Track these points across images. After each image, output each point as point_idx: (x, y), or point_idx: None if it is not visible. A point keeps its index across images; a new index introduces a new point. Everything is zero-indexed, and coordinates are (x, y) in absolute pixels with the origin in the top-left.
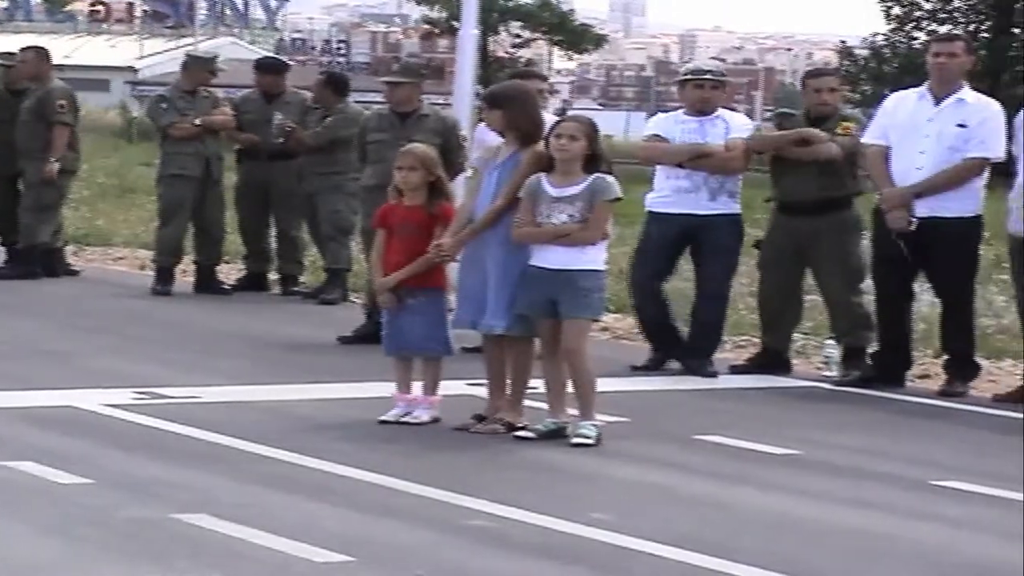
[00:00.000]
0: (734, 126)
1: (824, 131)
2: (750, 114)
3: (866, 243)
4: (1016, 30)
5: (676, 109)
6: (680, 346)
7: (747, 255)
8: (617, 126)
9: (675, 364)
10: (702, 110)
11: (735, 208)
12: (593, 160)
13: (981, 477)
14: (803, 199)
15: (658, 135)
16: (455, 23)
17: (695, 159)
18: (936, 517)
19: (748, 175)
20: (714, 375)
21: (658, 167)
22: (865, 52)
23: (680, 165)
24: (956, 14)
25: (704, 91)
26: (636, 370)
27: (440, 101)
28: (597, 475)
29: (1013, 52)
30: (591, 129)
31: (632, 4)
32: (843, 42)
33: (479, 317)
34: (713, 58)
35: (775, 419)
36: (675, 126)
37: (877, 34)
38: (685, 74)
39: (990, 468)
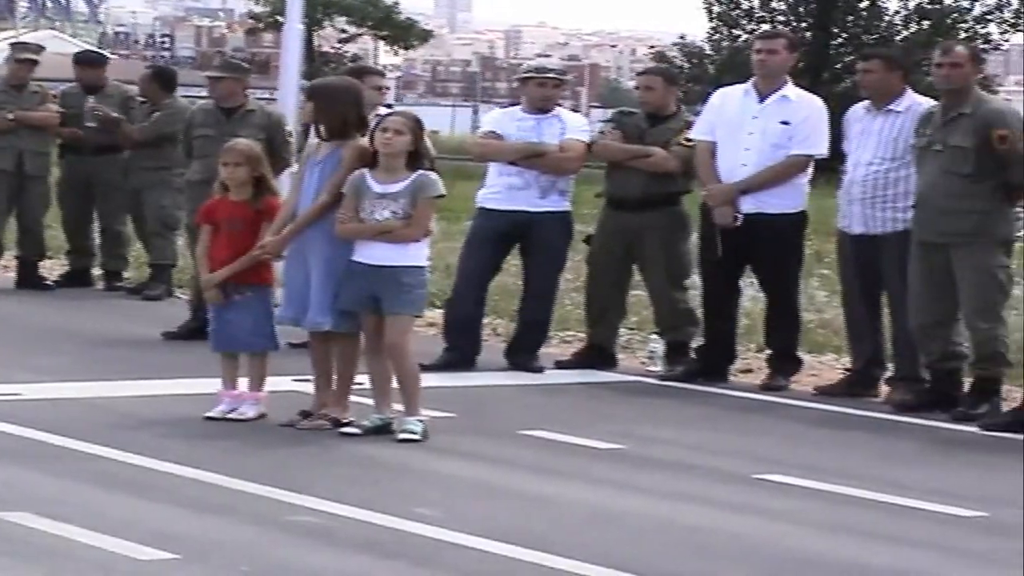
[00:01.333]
0: (570, 126)
1: (663, 131)
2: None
3: (694, 239)
4: (835, 28)
5: (511, 105)
6: (474, 354)
7: (575, 250)
8: (444, 121)
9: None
10: (542, 108)
11: (565, 206)
12: (417, 157)
13: (802, 470)
14: (632, 195)
15: (494, 132)
16: (280, 18)
17: (529, 157)
18: (757, 510)
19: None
20: (540, 370)
21: (491, 163)
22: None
23: (513, 163)
24: (776, 13)
25: (546, 89)
26: (426, 368)
27: (265, 96)
28: (423, 470)
29: (832, 50)
30: (416, 124)
31: (458, 0)
32: (682, 36)
33: (302, 314)
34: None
35: (600, 413)
36: (511, 123)
37: (684, 36)
38: (527, 72)
39: (811, 461)
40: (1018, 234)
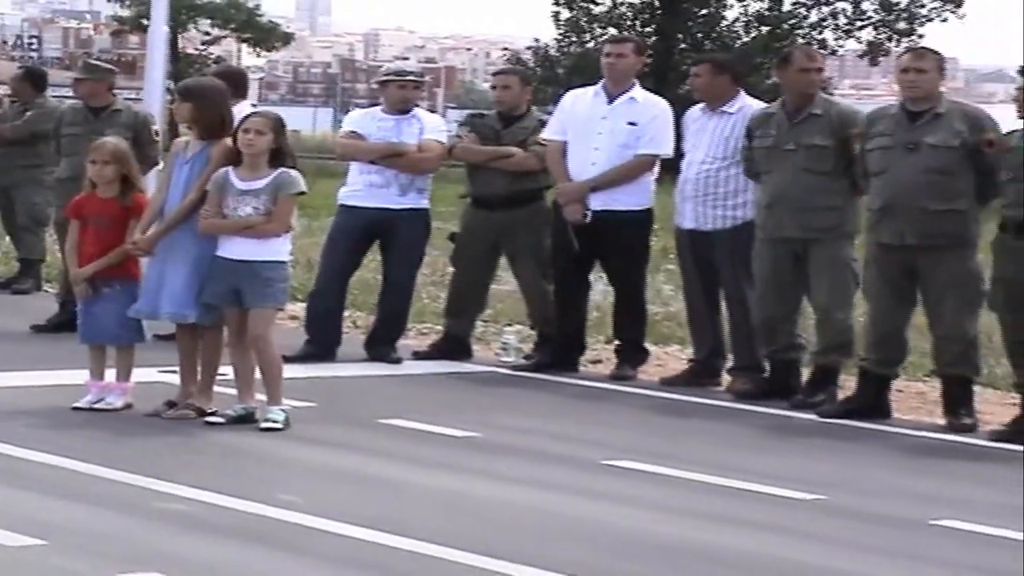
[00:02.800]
0: (428, 127)
1: (517, 131)
2: (432, 109)
3: None
4: (679, 34)
5: (371, 106)
6: (335, 346)
7: (434, 247)
8: (305, 121)
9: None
10: (401, 109)
11: (423, 203)
12: (279, 155)
13: (648, 456)
14: (497, 194)
15: (355, 131)
16: (145, 20)
17: (389, 157)
18: (607, 495)
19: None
20: (398, 361)
21: (352, 162)
22: (530, 55)
23: (374, 162)
24: (624, 19)
25: (406, 91)
26: (288, 360)
27: (132, 96)
28: (285, 458)
29: (676, 55)
30: (278, 124)
31: (318, 3)
32: (536, 40)
33: (156, 307)
34: (397, 57)
35: (456, 403)
36: (372, 123)
37: (537, 40)
38: (387, 74)
39: (657, 448)
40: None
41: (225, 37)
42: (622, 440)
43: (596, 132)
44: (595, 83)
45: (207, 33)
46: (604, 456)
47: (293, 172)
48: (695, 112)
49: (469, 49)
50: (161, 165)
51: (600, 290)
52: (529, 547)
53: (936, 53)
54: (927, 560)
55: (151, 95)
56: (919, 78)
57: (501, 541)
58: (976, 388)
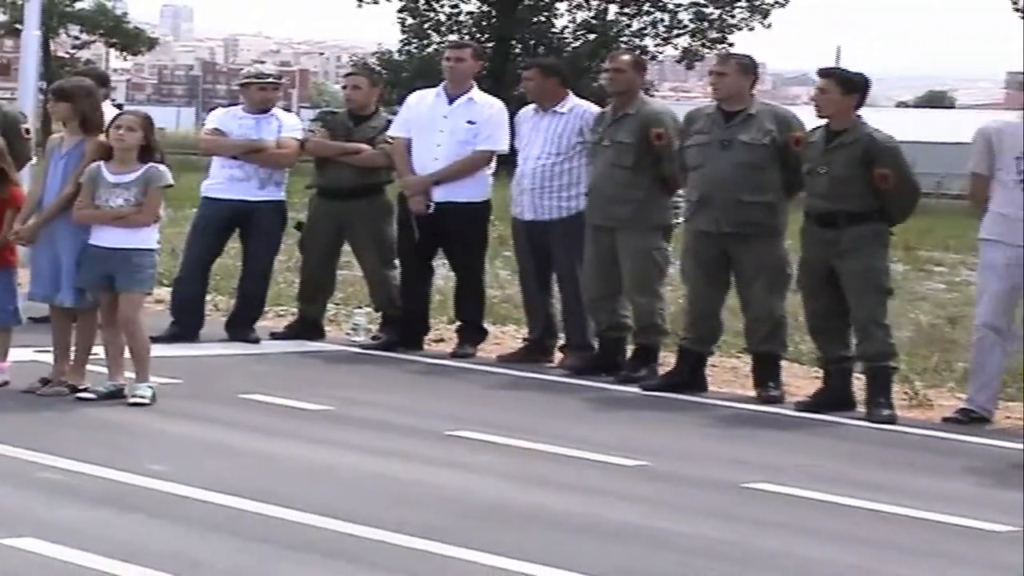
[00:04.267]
0: (286, 125)
1: (366, 129)
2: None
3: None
4: (514, 40)
5: (231, 106)
6: (198, 327)
7: (289, 236)
8: (170, 120)
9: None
10: (260, 109)
11: (280, 196)
12: (148, 150)
13: (489, 427)
14: (342, 185)
15: (218, 129)
16: (19, 26)
17: (249, 153)
18: (452, 463)
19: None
20: (257, 341)
21: (215, 157)
22: (376, 60)
23: (235, 157)
24: (463, 26)
25: (265, 92)
26: (155, 340)
27: (7, 96)
28: (153, 431)
29: (512, 59)
30: (147, 122)
31: (181, 10)
32: (379, 45)
33: (53, 292)
34: (255, 61)
35: (311, 379)
36: (233, 122)
37: (381, 44)
38: (247, 77)
39: (496, 419)
40: (675, 221)
41: (94, 42)
42: (463, 412)
43: (438, 130)
44: (437, 85)
45: (77, 38)
46: (447, 427)
47: (161, 166)
48: (528, 112)
49: (322, 53)
50: (35, 160)
51: (442, 275)
52: (383, 512)
53: (742, 57)
54: (740, 519)
55: (25, 95)
56: (720, 80)
57: (357, 506)
58: (783, 363)
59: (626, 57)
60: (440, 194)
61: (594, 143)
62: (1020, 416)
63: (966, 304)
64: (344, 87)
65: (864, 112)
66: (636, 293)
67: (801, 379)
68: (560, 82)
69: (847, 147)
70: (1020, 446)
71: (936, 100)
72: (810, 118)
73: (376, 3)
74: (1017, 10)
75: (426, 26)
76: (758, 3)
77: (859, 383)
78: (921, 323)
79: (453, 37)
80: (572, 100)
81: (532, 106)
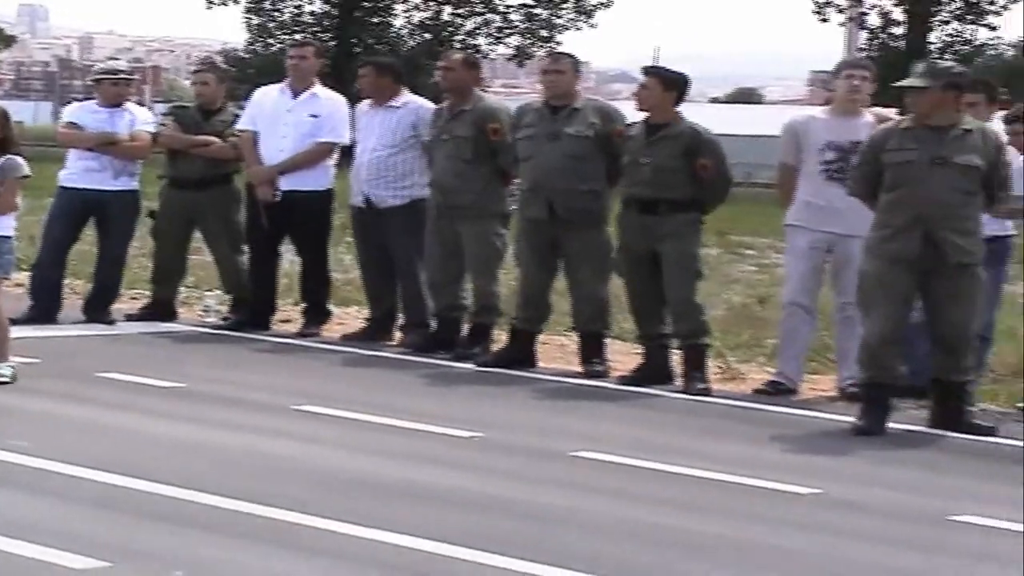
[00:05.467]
0: (139, 119)
1: (215, 123)
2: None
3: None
4: (354, 39)
5: (87, 100)
6: (56, 310)
7: (142, 223)
8: (28, 114)
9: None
10: (114, 103)
11: (134, 186)
12: (5, 143)
13: (333, 402)
14: (192, 176)
15: (74, 123)
16: None
17: (104, 145)
18: (299, 436)
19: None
20: (112, 322)
21: (71, 150)
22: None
23: (91, 149)
24: (306, 26)
25: (119, 88)
26: (14, 322)
27: None
28: (15, 408)
29: (352, 57)
30: (3, 116)
31: (37, 9)
32: (225, 43)
33: None
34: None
35: (164, 358)
36: (88, 115)
37: (227, 43)
38: (100, 73)
39: (340, 394)
40: (512, 208)
41: None
42: (310, 388)
43: (283, 124)
44: (281, 82)
45: None
46: (295, 402)
47: (18, 158)
48: (364, 107)
49: (172, 51)
50: None
51: (289, 259)
52: (235, 482)
53: (571, 56)
54: (569, 486)
55: None
56: (557, 78)
57: (211, 478)
58: (607, 341)
59: (456, 56)
60: (286, 184)
61: (434, 138)
62: (824, 387)
63: (774, 284)
64: (194, 83)
65: (682, 107)
66: (476, 276)
67: (623, 355)
68: (393, 79)
69: (671, 140)
70: (825, 415)
71: (746, 96)
72: (631, 112)
73: (224, 5)
74: (817, 14)
75: (271, 26)
76: (583, 4)
77: (677, 358)
78: (734, 302)
79: (297, 36)
80: (406, 96)
81: (368, 101)
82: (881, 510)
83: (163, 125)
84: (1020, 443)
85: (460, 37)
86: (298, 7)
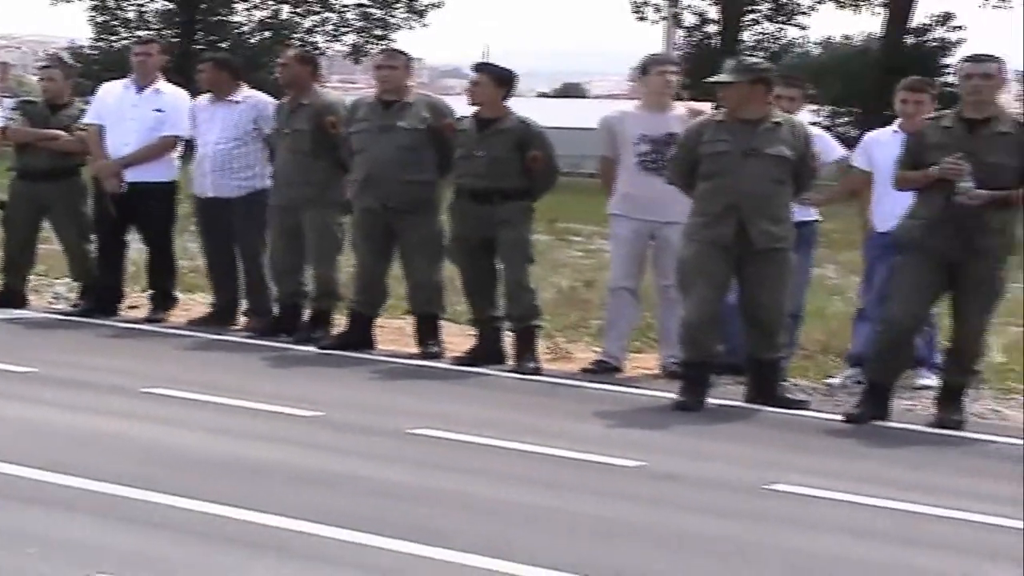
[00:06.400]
0: None
1: (62, 117)
2: None
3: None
4: (197, 36)
5: None
6: None
7: None
8: None
9: None
10: None
11: None
12: None
13: (181, 384)
14: (40, 168)
15: None
16: None
17: None
18: (149, 417)
19: None
20: None
21: None
22: (69, 54)
23: None
24: (150, 23)
25: None
26: None
27: None
28: None
29: (195, 54)
30: None
31: None
32: (72, 41)
33: None
34: None
35: (16, 344)
36: None
37: (74, 40)
38: None
39: (187, 377)
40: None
41: None
42: (158, 371)
43: (128, 118)
44: (126, 77)
45: None
46: (144, 385)
47: None
48: (203, 102)
49: (19, 48)
50: None
51: (136, 248)
52: (87, 462)
53: (404, 53)
54: (407, 462)
55: None
56: (390, 74)
57: (64, 458)
58: (442, 323)
59: (292, 53)
60: (131, 176)
61: (276, 131)
62: (647, 365)
63: (600, 269)
64: (41, 79)
65: (511, 102)
66: (316, 264)
67: (458, 337)
68: (232, 75)
69: (502, 133)
70: (648, 392)
71: (571, 91)
72: (463, 107)
73: (69, 1)
74: (636, 13)
75: (115, 23)
76: (416, 4)
77: (509, 339)
78: (562, 286)
79: (140, 33)
80: (246, 91)
81: (208, 96)
82: (701, 480)
83: (11, 120)
84: (828, 415)
85: (299, 35)
86: (141, 5)
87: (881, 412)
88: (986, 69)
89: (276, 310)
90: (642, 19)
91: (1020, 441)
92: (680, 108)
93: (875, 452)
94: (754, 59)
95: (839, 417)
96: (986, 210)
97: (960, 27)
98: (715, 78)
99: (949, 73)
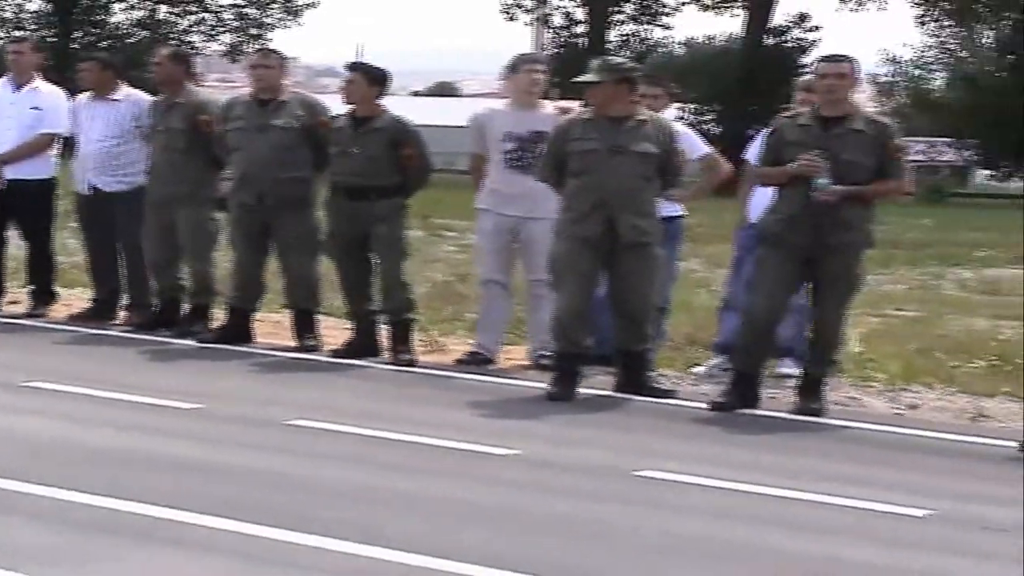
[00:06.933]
0: None
1: None
2: None
3: None
4: (75, 35)
5: None
6: None
7: None
8: None
9: None
10: None
11: None
12: None
13: (61, 377)
14: None
15: None
16: None
17: None
18: (28, 410)
19: None
20: None
21: None
22: None
23: None
24: (27, 21)
25: None
26: None
27: None
28: None
29: (73, 52)
30: None
31: None
32: None
33: None
34: None
35: None
36: None
37: None
38: None
39: (67, 370)
40: (223, 193)
41: None
42: (39, 365)
43: (6, 116)
44: (3, 76)
45: None
46: (24, 378)
47: None
48: (83, 99)
49: None
50: None
51: (16, 244)
52: None
53: (278, 53)
54: (286, 452)
55: None
56: (265, 73)
57: None
58: (319, 317)
59: (165, 52)
60: (10, 173)
61: (151, 129)
62: (519, 357)
63: (473, 263)
64: None
65: (385, 100)
66: (192, 260)
67: (335, 330)
68: (114, 74)
69: (377, 131)
70: (520, 382)
71: (444, 90)
72: (338, 106)
73: None
74: (505, 13)
75: None
76: (291, 4)
77: (384, 332)
78: (436, 280)
79: (17, 33)
80: (126, 90)
81: (87, 94)
82: (573, 467)
83: None
84: (694, 403)
85: (176, 35)
86: (19, 5)
87: (748, 401)
88: (840, 68)
89: (156, 305)
90: (512, 19)
91: (879, 427)
92: (550, 107)
93: (739, 438)
94: (619, 59)
95: (705, 405)
96: (842, 206)
97: (817, 28)
98: (582, 78)
99: (807, 72)
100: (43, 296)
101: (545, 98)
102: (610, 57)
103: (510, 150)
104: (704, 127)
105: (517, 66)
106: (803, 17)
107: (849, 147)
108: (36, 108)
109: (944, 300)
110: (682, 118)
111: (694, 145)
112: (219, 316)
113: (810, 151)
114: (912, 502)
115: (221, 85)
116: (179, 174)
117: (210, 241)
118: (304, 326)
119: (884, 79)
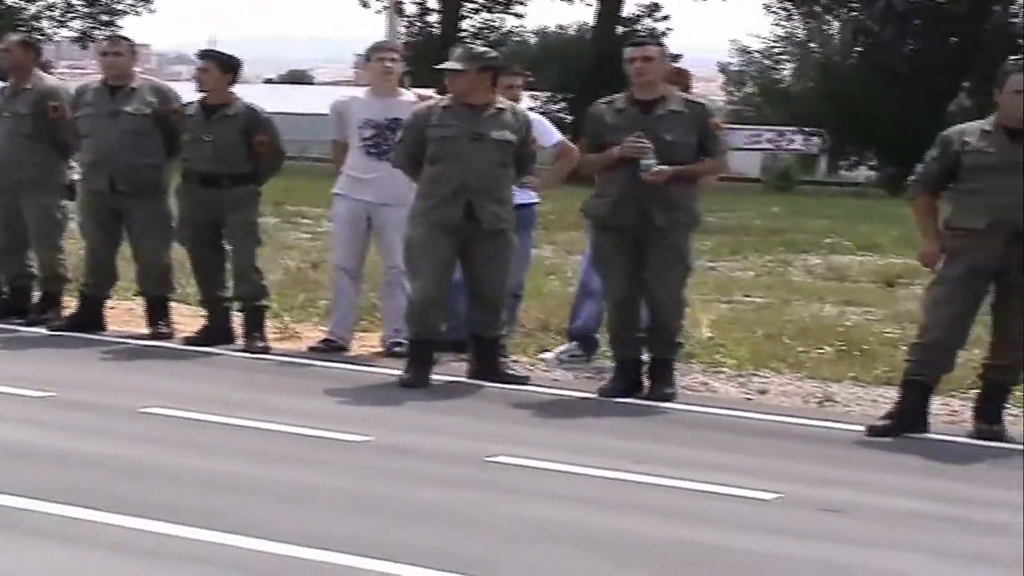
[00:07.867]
0: None
1: None
2: None
3: None
4: None
5: None
6: None
7: None
8: None
9: None
10: None
11: None
12: None
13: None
14: None
15: None
16: None
17: None
18: None
19: None
20: None
21: None
22: None
23: None
24: None
25: None
26: None
27: None
28: None
29: None
30: None
31: None
32: None
33: None
34: None
35: None
36: None
37: None
38: None
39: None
40: (74, 179)
41: None
42: None
43: None
44: None
45: None
46: None
47: None
48: None
49: None
50: None
51: None
52: None
53: (128, 40)
54: (139, 440)
55: None
56: (116, 60)
57: None
58: (172, 304)
59: (13, 38)
60: None
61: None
62: (372, 344)
63: (326, 251)
64: None
65: (237, 88)
66: (40, 247)
67: (188, 317)
68: None
69: (229, 119)
70: (373, 369)
71: (297, 77)
72: (190, 93)
73: None
74: (359, 1)
75: None
76: None
77: (238, 319)
78: (290, 267)
79: None
80: None
81: None
82: (426, 453)
83: None
84: (547, 389)
85: (24, 21)
86: None
87: (635, 388)
88: (646, 52)
89: (6, 293)
90: (365, 6)
91: (729, 411)
92: (409, 95)
93: (591, 424)
94: (482, 48)
95: (558, 392)
96: (669, 186)
97: (667, 17)
98: (445, 65)
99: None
100: None
101: (400, 86)
102: (473, 46)
103: (368, 137)
104: (556, 115)
105: (371, 54)
106: (654, 7)
107: (670, 128)
108: None
109: (792, 286)
110: (534, 107)
111: (548, 133)
112: (71, 303)
113: (632, 134)
114: (761, 485)
115: (71, 72)
116: (25, 160)
117: (58, 228)
118: (157, 313)
119: (734, 68)
